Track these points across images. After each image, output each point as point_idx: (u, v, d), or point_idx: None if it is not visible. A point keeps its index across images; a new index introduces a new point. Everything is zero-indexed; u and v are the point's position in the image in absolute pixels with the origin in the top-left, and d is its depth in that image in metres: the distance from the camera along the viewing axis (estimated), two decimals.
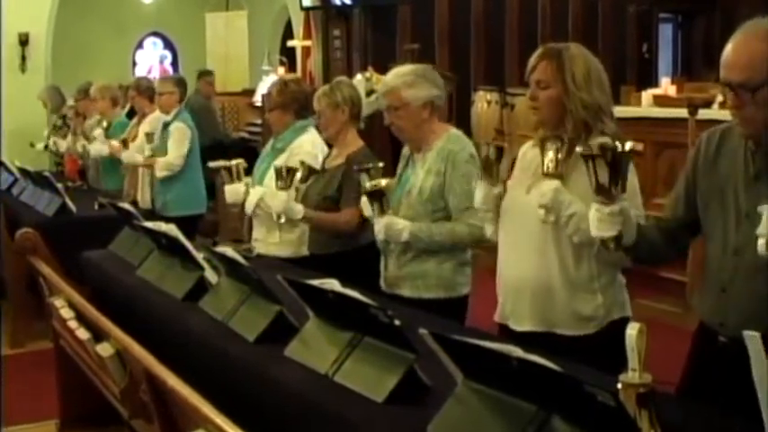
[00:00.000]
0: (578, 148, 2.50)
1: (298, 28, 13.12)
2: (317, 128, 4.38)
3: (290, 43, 13.33)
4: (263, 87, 11.06)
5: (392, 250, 3.48)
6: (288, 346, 2.54)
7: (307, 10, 12.43)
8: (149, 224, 3.76)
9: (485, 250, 3.61)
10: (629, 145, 2.40)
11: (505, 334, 2.91)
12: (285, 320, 2.69)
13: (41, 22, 11.54)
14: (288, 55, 13.13)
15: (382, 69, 7.69)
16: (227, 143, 9.98)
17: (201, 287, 3.22)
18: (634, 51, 12.22)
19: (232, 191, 4.21)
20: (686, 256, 4.63)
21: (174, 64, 16.98)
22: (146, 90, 6.58)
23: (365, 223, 3.74)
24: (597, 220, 2.43)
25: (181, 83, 6.31)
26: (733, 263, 2.36)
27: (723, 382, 2.31)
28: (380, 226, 3.34)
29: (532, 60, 2.89)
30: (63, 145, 7.78)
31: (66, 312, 3.36)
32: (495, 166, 2.87)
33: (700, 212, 2.51)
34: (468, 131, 6.83)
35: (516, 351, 1.74)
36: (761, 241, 2.12)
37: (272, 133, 4.67)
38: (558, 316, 2.82)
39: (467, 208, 3.32)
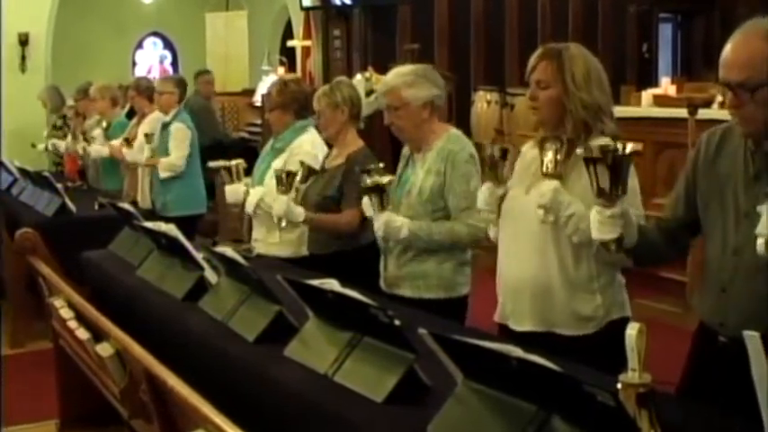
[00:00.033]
0: (579, 151, 2.50)
1: (298, 28, 13.12)
2: (317, 128, 4.38)
3: (289, 43, 13.33)
4: (262, 87, 11.05)
5: (392, 250, 3.48)
6: (287, 346, 2.54)
7: (307, 10, 12.42)
8: (149, 224, 3.76)
9: (485, 250, 3.61)
10: (629, 147, 2.39)
11: (505, 334, 2.91)
12: (285, 320, 2.69)
13: (41, 22, 11.54)
14: (288, 55, 13.12)
15: (382, 69, 7.69)
16: (227, 143, 9.97)
17: (201, 287, 3.22)
18: (634, 51, 12.22)
19: (232, 191, 4.22)
20: (686, 256, 4.63)
21: (174, 64, 16.98)
22: (145, 90, 6.58)
23: (365, 223, 3.74)
24: (598, 223, 2.43)
25: (181, 83, 6.31)
26: (733, 263, 2.36)
27: (723, 382, 2.31)
28: (380, 222, 3.33)
29: (532, 60, 2.89)
30: (63, 145, 7.78)
31: (66, 312, 3.36)
32: (500, 166, 2.87)
33: (699, 212, 2.51)
34: (467, 131, 6.84)
35: (516, 351, 1.74)
36: (760, 241, 2.12)
37: (271, 133, 4.67)
38: (558, 316, 2.82)
39: (466, 208, 3.32)
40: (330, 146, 4.29)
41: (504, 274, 2.97)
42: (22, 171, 6.92)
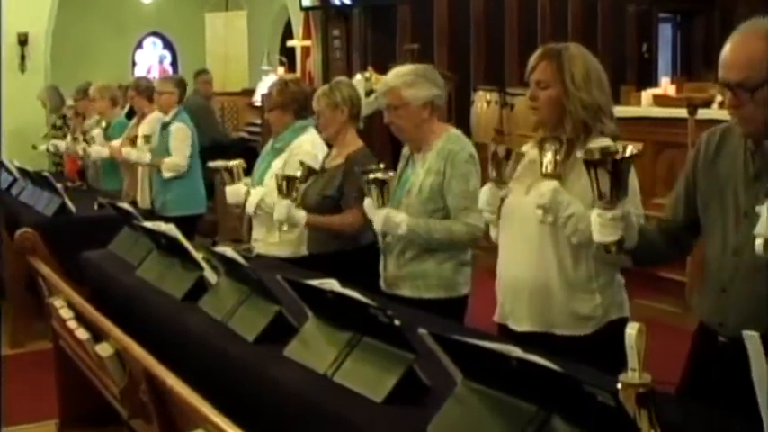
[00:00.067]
0: (579, 154, 2.49)
1: (297, 28, 13.11)
2: (317, 128, 4.38)
3: (289, 43, 13.32)
4: (262, 87, 11.05)
5: (392, 250, 3.48)
6: (287, 346, 2.54)
7: (306, 10, 12.41)
8: (149, 224, 3.76)
9: (484, 251, 3.61)
10: (629, 149, 2.39)
11: (505, 334, 2.91)
12: (284, 320, 2.69)
13: (41, 22, 11.53)
14: (287, 55, 13.12)
15: (382, 69, 7.69)
16: (227, 143, 9.96)
17: (201, 287, 3.22)
18: (633, 51, 12.22)
19: (233, 192, 4.23)
20: (686, 257, 4.63)
21: (174, 64, 16.98)
22: (145, 90, 6.58)
23: (366, 223, 3.73)
24: (599, 225, 2.43)
25: (181, 83, 6.31)
26: (732, 263, 2.36)
27: (723, 382, 2.31)
28: (379, 218, 3.33)
29: (532, 61, 2.89)
30: (62, 146, 7.78)
31: (66, 312, 3.36)
32: (503, 166, 2.87)
33: (699, 213, 2.51)
34: (467, 131, 6.83)
35: (516, 351, 1.74)
36: (758, 241, 2.12)
37: (271, 133, 4.67)
38: (557, 316, 2.82)
39: (465, 208, 3.33)
40: (330, 146, 4.29)
41: (503, 274, 2.97)
42: (22, 171, 6.93)
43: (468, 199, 3.33)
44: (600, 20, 11.94)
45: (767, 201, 2.12)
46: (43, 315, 4.00)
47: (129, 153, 6.24)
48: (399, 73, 3.51)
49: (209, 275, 3.26)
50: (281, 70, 11.90)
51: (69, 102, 8.82)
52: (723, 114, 2.38)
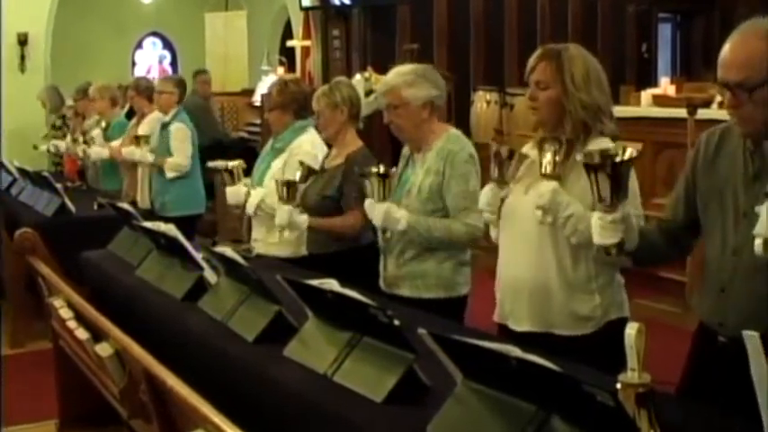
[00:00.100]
0: (578, 157, 2.49)
1: (297, 28, 13.11)
2: (317, 128, 4.38)
3: (289, 43, 13.32)
4: (262, 87, 11.05)
5: (391, 250, 3.48)
6: (287, 346, 2.54)
7: (306, 10, 12.41)
8: (148, 224, 3.76)
9: (484, 251, 3.61)
10: (629, 152, 2.39)
11: (505, 334, 2.91)
12: (284, 320, 2.69)
13: (41, 22, 11.53)
14: (287, 55, 13.12)
15: (381, 69, 7.69)
16: (227, 143, 9.97)
17: (201, 287, 3.22)
18: (633, 51, 12.23)
19: (233, 193, 4.24)
20: (687, 257, 4.63)
21: (174, 64, 16.97)
22: (145, 90, 6.58)
23: (366, 224, 3.73)
24: (599, 228, 2.43)
25: (181, 83, 6.31)
26: (732, 263, 2.36)
27: (722, 382, 2.31)
28: (380, 212, 3.32)
29: (532, 61, 2.89)
30: (63, 146, 7.78)
31: (66, 312, 3.36)
32: (506, 166, 2.87)
33: (699, 213, 2.51)
34: (467, 131, 6.83)
35: (515, 351, 1.74)
36: (758, 241, 2.12)
37: (271, 133, 4.67)
38: (556, 317, 2.82)
39: (464, 208, 3.33)
40: (329, 146, 4.29)
41: (502, 274, 2.97)
42: (22, 171, 6.92)
43: (467, 199, 3.33)
44: (600, 20, 11.94)
45: (767, 201, 2.12)
46: (43, 315, 4.00)
47: (133, 152, 6.22)
48: (400, 72, 3.51)
49: (209, 275, 3.26)
50: (280, 70, 11.90)
51: (69, 102, 8.82)
52: (723, 114, 2.38)
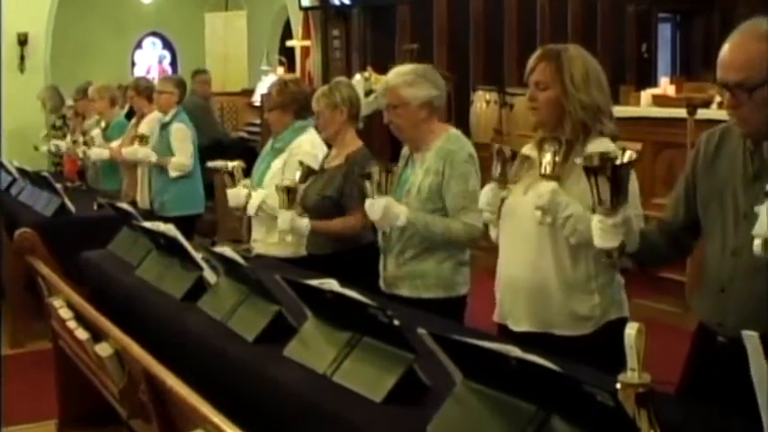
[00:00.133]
0: (578, 160, 2.48)
1: (297, 28, 13.11)
2: (317, 128, 4.38)
3: (288, 43, 13.32)
4: (262, 87, 11.04)
5: (391, 250, 3.48)
6: (286, 346, 2.54)
7: (306, 10, 12.41)
8: (148, 224, 3.76)
9: (484, 251, 3.61)
10: (627, 155, 2.38)
11: (504, 334, 2.91)
12: (284, 320, 2.68)
13: (40, 22, 11.53)
14: (287, 55, 13.12)
15: (381, 69, 7.69)
16: (226, 143, 9.97)
17: (200, 287, 3.22)
18: (633, 51, 12.23)
19: (234, 195, 4.26)
20: (687, 257, 4.63)
21: (173, 64, 16.97)
22: (144, 90, 6.58)
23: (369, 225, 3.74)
24: (600, 231, 2.42)
25: (181, 84, 6.31)
26: (732, 263, 2.36)
27: (722, 382, 2.31)
28: (379, 206, 3.31)
29: (531, 62, 2.89)
30: (64, 146, 7.78)
31: (65, 312, 3.36)
32: (509, 166, 2.87)
33: (699, 213, 2.50)
34: (466, 131, 6.83)
35: (515, 351, 1.74)
36: (757, 241, 2.12)
37: (271, 133, 4.67)
38: (555, 317, 2.82)
39: (463, 207, 3.33)
40: (329, 146, 4.29)
41: (502, 273, 2.97)
42: (21, 171, 6.92)
43: (466, 199, 3.33)
44: (599, 20, 11.94)
45: (766, 201, 2.12)
46: (43, 315, 4.00)
47: (135, 152, 6.21)
48: (400, 72, 3.51)
49: (209, 275, 3.26)
50: (280, 70, 11.90)
51: (69, 102, 8.82)
52: (722, 114, 2.39)
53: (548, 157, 2.72)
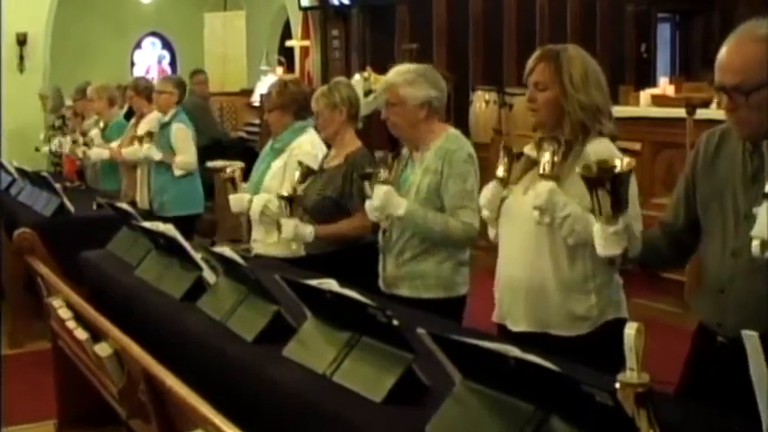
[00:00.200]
0: (577, 169, 2.47)
1: (296, 28, 13.12)
2: (316, 128, 4.39)
3: (288, 43, 13.33)
4: (261, 87, 11.05)
5: (391, 250, 3.48)
6: (286, 346, 2.54)
7: (305, 10, 12.42)
8: (147, 224, 3.76)
9: (483, 251, 3.61)
10: (626, 163, 2.37)
11: (503, 334, 2.91)
12: (283, 320, 2.68)
13: (40, 22, 11.53)
14: (286, 55, 13.13)
15: (381, 69, 7.69)
16: (226, 143, 9.98)
17: (199, 287, 3.22)
18: (632, 51, 12.23)
19: (237, 200, 4.28)
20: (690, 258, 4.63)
21: (173, 64, 16.98)
22: (144, 90, 6.57)
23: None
24: (602, 240, 2.42)
25: (180, 84, 6.32)
26: (731, 264, 2.36)
27: (722, 382, 2.31)
28: (380, 192, 3.31)
29: (530, 62, 2.89)
30: (66, 144, 7.78)
31: (65, 312, 3.36)
32: (514, 165, 2.87)
33: (699, 214, 2.50)
34: (466, 131, 6.83)
35: (514, 351, 1.74)
36: (755, 243, 2.12)
37: (270, 134, 4.67)
38: (552, 317, 2.82)
39: (462, 207, 3.33)
40: (329, 146, 4.29)
41: (501, 273, 2.97)
42: (21, 171, 6.92)
43: (465, 198, 3.33)
44: (599, 20, 11.94)
45: (765, 202, 2.12)
46: (42, 315, 3.99)
47: (136, 151, 6.21)
48: (400, 71, 3.52)
49: (208, 275, 3.26)
50: (279, 70, 11.92)
51: (68, 102, 8.82)
52: (722, 114, 2.38)
53: (546, 157, 2.71)
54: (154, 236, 3.62)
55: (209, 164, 8.21)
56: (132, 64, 16.68)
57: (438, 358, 1.98)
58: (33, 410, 4.32)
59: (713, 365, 2.41)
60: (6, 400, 4.28)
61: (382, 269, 3.54)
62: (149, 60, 16.99)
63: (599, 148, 2.75)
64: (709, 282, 2.46)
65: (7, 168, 7.25)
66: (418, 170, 3.46)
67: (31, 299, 4.73)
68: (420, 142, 3.48)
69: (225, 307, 2.93)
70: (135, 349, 2.70)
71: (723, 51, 2.30)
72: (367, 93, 8.44)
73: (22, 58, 11.39)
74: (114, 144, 6.73)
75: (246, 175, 4.43)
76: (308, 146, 4.36)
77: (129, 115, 7.25)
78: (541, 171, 2.72)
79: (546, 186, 2.68)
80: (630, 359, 1.76)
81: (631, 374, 1.75)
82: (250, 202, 4.25)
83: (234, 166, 4.37)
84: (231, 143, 10.23)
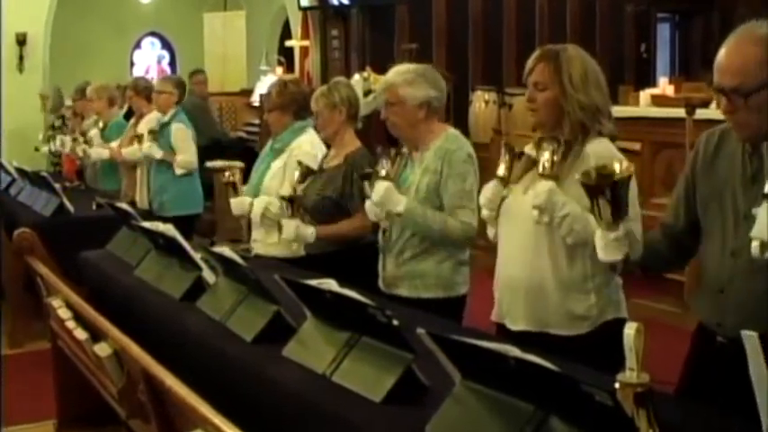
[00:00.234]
0: (577, 176, 2.47)
1: (296, 28, 13.11)
2: (316, 128, 4.39)
3: (287, 43, 13.33)
4: (260, 87, 11.05)
5: (390, 250, 3.48)
6: (285, 346, 2.54)
7: (305, 10, 12.42)
8: (147, 224, 3.76)
9: (483, 250, 3.61)
10: (625, 166, 2.37)
11: (503, 333, 2.90)
12: (283, 320, 2.68)
13: (39, 22, 11.53)
14: (286, 55, 13.13)
15: (380, 69, 7.69)
16: (225, 143, 9.99)
17: (199, 287, 3.22)
18: (632, 51, 12.23)
19: (238, 204, 4.29)
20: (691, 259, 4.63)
21: (172, 64, 16.98)
22: (143, 90, 6.57)
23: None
24: (603, 246, 2.41)
25: (180, 84, 6.32)
26: (731, 264, 2.36)
27: (721, 382, 2.31)
28: (380, 188, 3.31)
29: (530, 62, 2.89)
30: (67, 143, 7.78)
31: (64, 312, 3.36)
32: (516, 164, 2.87)
33: (699, 214, 2.50)
34: (465, 131, 6.84)
35: (513, 351, 1.74)
36: (754, 243, 2.12)
37: (270, 134, 4.67)
38: (551, 316, 2.81)
39: (460, 206, 3.33)
40: (329, 146, 4.29)
41: (500, 273, 2.97)
42: (20, 171, 6.92)
43: (464, 198, 3.33)
44: (598, 20, 11.94)
45: (765, 203, 2.12)
46: (42, 315, 3.99)
47: (136, 151, 6.21)
48: (400, 71, 3.52)
49: (208, 275, 3.26)
50: (279, 70, 11.92)
51: (68, 102, 8.83)
52: (721, 114, 2.38)
53: (546, 157, 2.71)
54: (153, 236, 3.62)
55: (209, 164, 8.21)
56: (132, 64, 16.68)
57: (438, 358, 1.98)
58: (33, 410, 4.32)
59: (713, 365, 2.41)
60: (6, 400, 4.28)
61: (382, 269, 3.54)
62: (149, 60, 16.99)
63: (599, 149, 2.75)
64: (709, 282, 2.46)
65: (7, 168, 7.25)
66: (417, 170, 3.46)
67: (30, 299, 4.73)
68: (419, 142, 3.49)
69: (224, 307, 2.93)
70: (134, 349, 2.70)
71: (722, 53, 2.30)
72: (366, 93, 8.44)
73: (21, 58, 11.38)
74: (114, 144, 6.73)
75: (246, 175, 4.43)
76: (307, 146, 4.36)
77: (128, 115, 7.25)
78: (541, 171, 2.72)
79: (545, 186, 2.68)
80: (630, 359, 1.76)
81: (631, 374, 1.75)
82: (251, 205, 4.26)
83: (233, 169, 4.38)
84: (231, 143, 10.23)
